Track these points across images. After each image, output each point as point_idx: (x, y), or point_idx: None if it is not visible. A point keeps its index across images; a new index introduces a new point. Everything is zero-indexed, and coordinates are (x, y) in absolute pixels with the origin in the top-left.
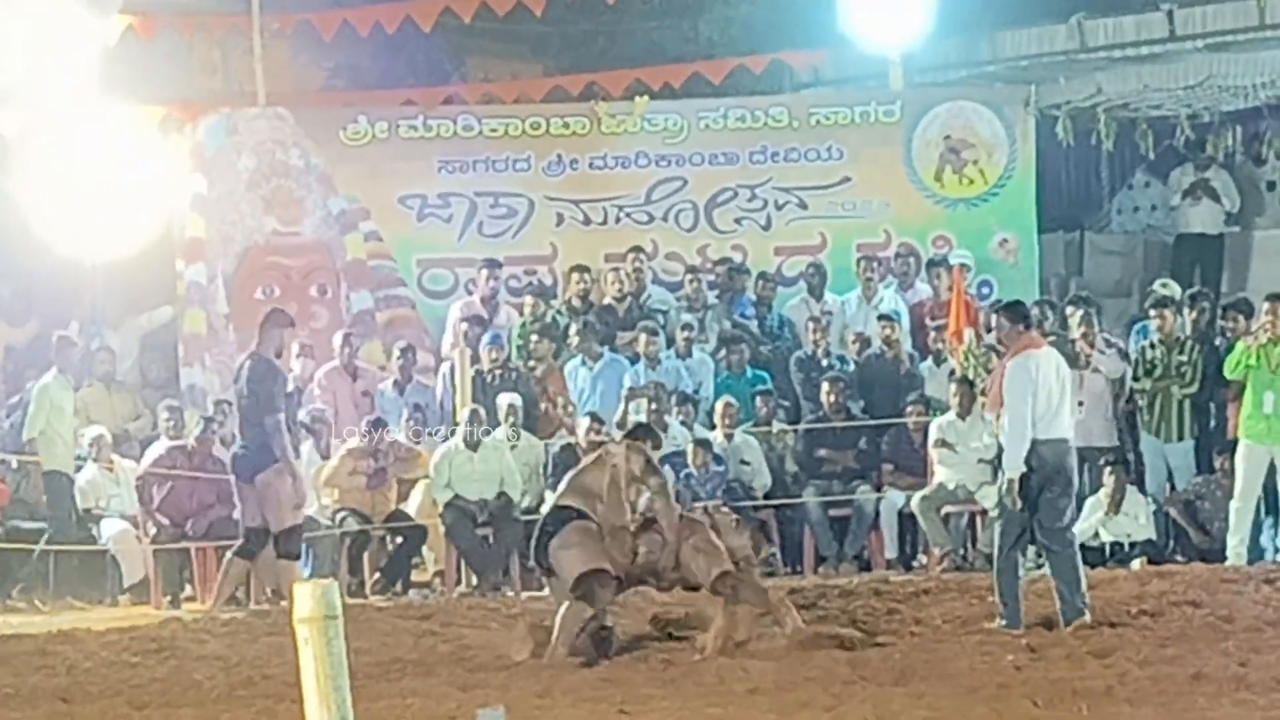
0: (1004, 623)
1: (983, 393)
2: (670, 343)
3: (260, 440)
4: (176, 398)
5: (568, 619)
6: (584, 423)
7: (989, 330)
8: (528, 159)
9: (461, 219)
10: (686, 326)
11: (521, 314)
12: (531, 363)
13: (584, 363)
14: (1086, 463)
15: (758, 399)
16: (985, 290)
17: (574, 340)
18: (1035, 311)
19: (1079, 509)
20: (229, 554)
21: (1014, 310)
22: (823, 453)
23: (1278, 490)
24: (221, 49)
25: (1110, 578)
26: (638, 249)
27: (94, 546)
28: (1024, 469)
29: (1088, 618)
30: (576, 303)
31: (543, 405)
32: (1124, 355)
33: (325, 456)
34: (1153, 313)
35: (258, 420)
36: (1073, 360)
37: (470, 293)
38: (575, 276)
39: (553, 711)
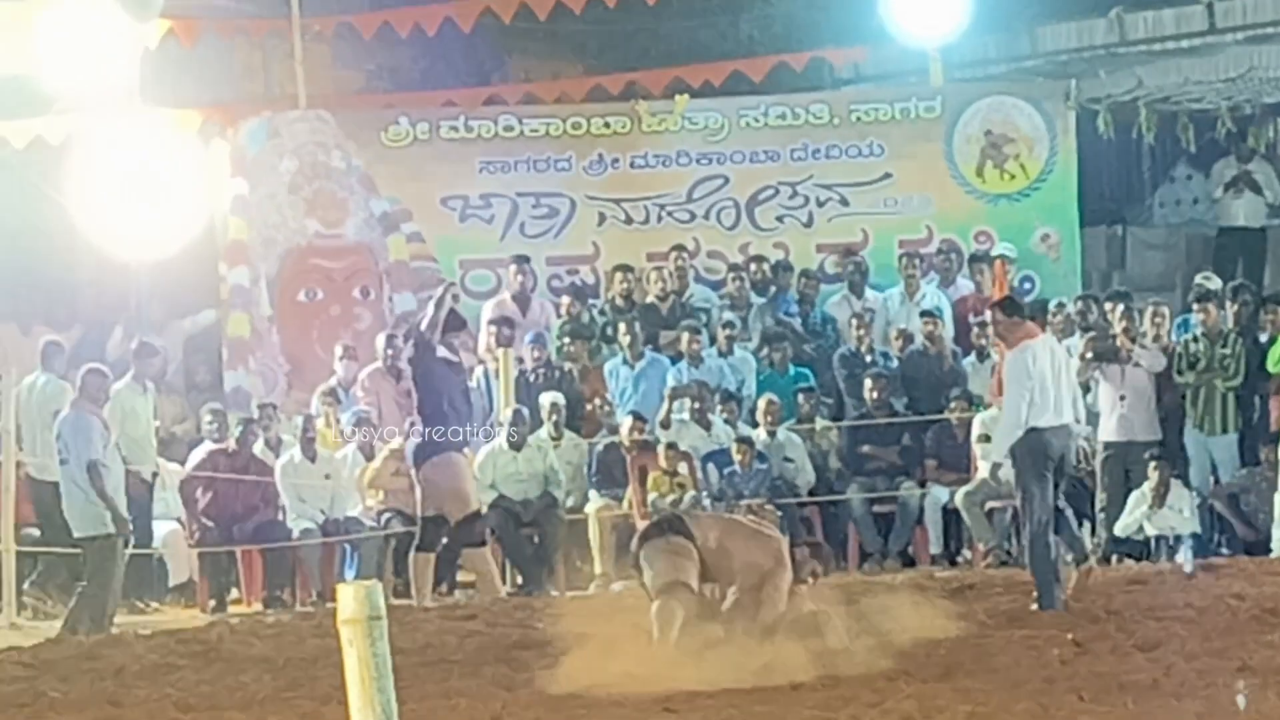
0: (1038, 606)
1: None
2: (713, 341)
3: (431, 427)
4: (220, 401)
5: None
6: (627, 422)
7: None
8: (569, 159)
9: (503, 220)
10: (729, 325)
11: (559, 314)
12: (569, 364)
13: (625, 362)
14: (1130, 457)
15: (800, 396)
16: (1028, 285)
17: (624, 340)
18: (1079, 306)
19: (1124, 503)
20: (412, 550)
21: (1008, 304)
22: (866, 449)
23: None
24: (262, 52)
25: (1155, 571)
26: (680, 248)
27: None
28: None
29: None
30: (620, 302)
31: (585, 405)
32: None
33: (369, 458)
34: (1195, 306)
35: (426, 407)
36: (1114, 355)
37: (505, 291)
38: (618, 276)
39: (599, 709)
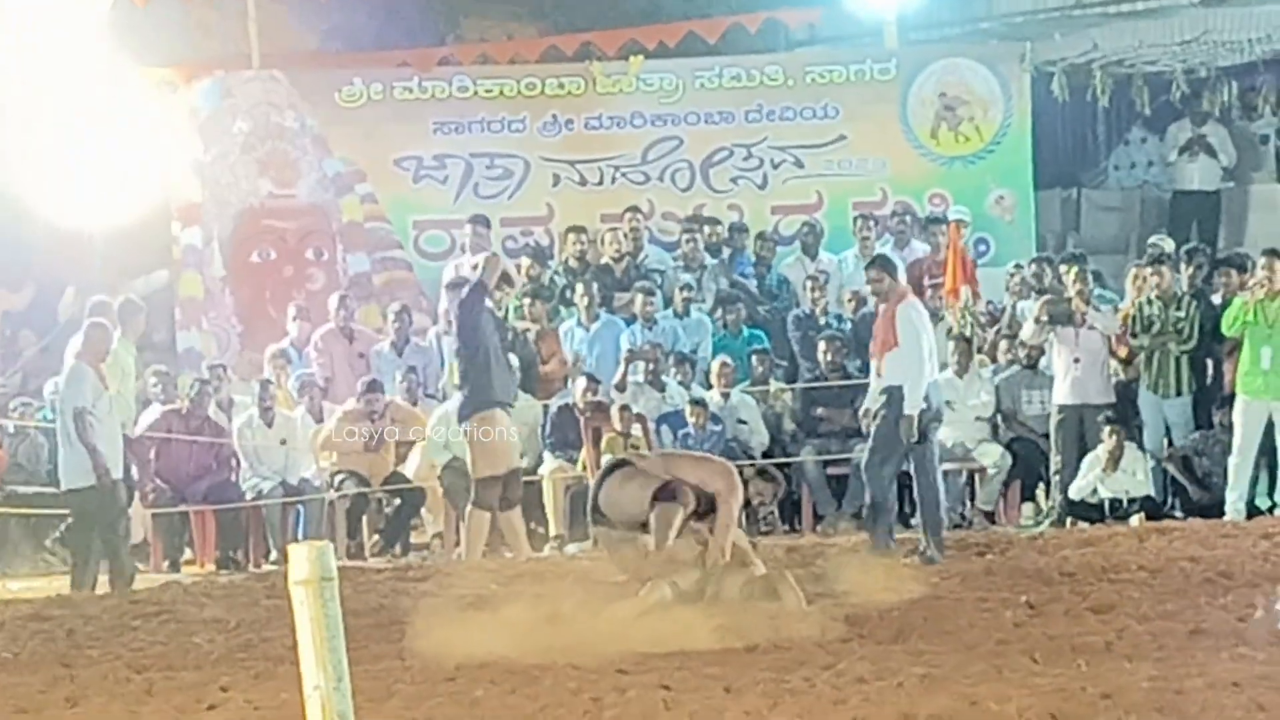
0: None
1: (974, 349)
2: (668, 303)
3: (470, 383)
4: (173, 361)
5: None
6: (580, 383)
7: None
8: (523, 120)
9: (457, 180)
10: (685, 287)
11: (518, 275)
12: (527, 324)
13: (580, 323)
14: (1084, 420)
15: (754, 358)
16: (982, 248)
17: (580, 301)
18: (1034, 269)
19: (1078, 466)
20: (469, 507)
21: (887, 263)
22: (820, 411)
23: (1275, 445)
24: (216, 11)
25: (1109, 534)
26: (634, 209)
27: None
28: (923, 405)
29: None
30: (574, 263)
31: (541, 366)
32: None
33: (319, 420)
34: (1150, 269)
35: (476, 359)
36: (1068, 317)
37: (465, 253)
38: (571, 237)
39: (552, 671)
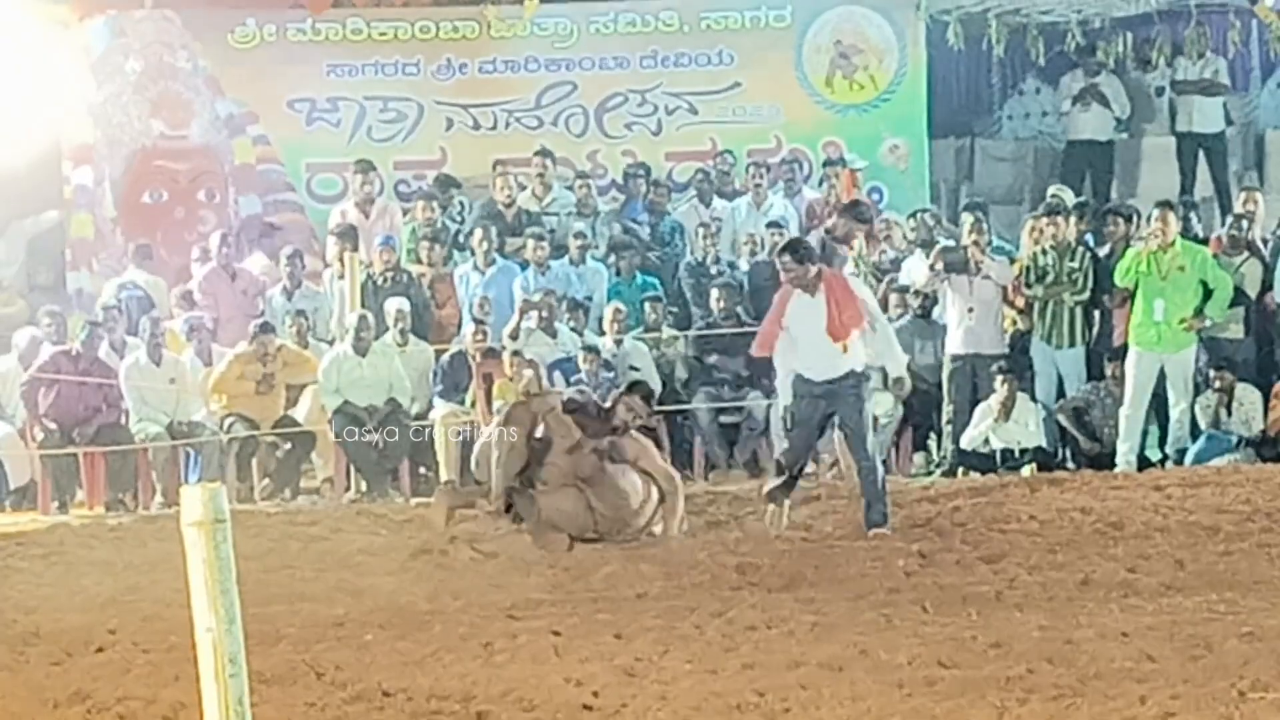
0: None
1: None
2: (564, 250)
3: None
4: (63, 302)
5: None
6: (470, 329)
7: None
8: (417, 63)
9: (350, 123)
10: (580, 234)
11: (415, 218)
12: (422, 268)
13: (476, 268)
14: (977, 370)
15: (647, 305)
16: (876, 196)
17: (478, 246)
18: (924, 219)
19: (970, 415)
20: None
21: (805, 250)
22: (713, 359)
23: (1167, 397)
24: None
25: (1000, 484)
26: (544, 152)
27: None
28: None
29: (887, 529)
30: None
31: (434, 311)
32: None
33: (208, 363)
34: (1045, 220)
35: None
36: (964, 266)
37: (350, 198)
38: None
39: (442, 616)
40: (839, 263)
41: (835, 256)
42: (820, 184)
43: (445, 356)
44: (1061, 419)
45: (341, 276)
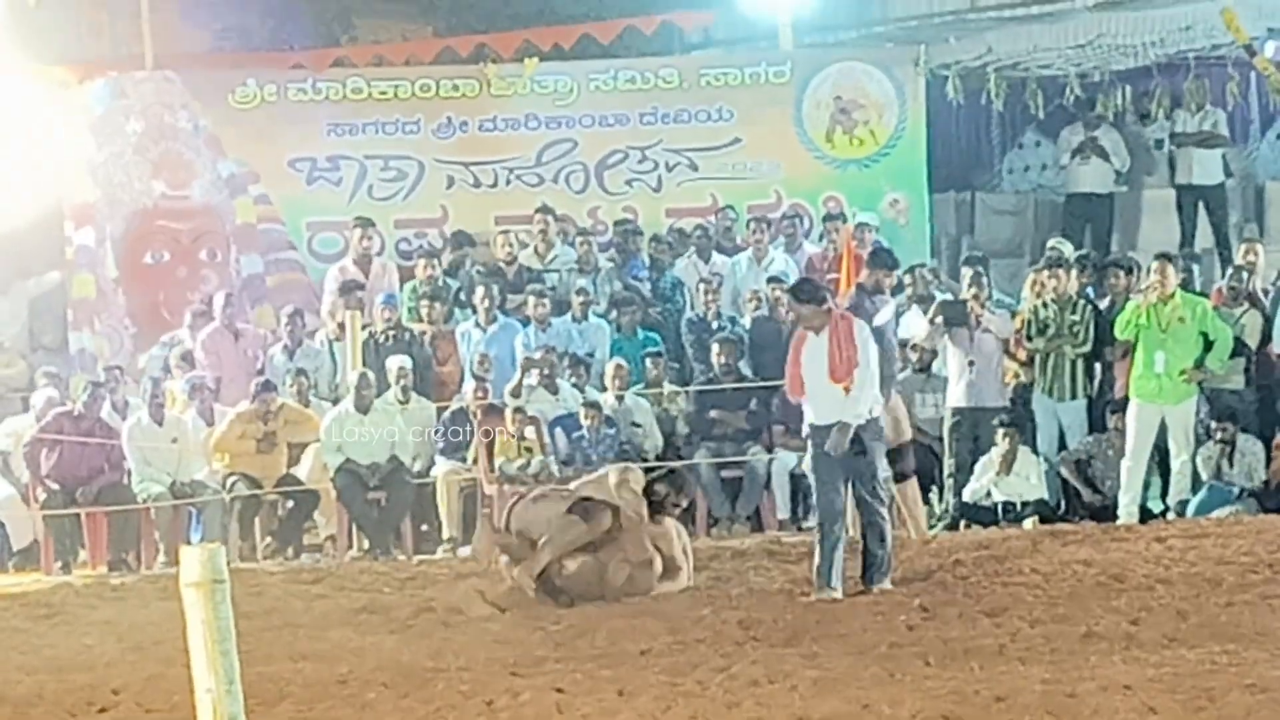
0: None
1: None
2: (567, 307)
3: None
4: (65, 362)
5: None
6: (471, 386)
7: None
8: (417, 121)
9: (351, 182)
10: (581, 291)
11: (414, 276)
12: (423, 326)
13: (478, 325)
14: (978, 423)
15: (648, 361)
16: None
17: (480, 304)
18: (921, 275)
19: (972, 469)
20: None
21: (815, 292)
22: (714, 414)
23: (1168, 449)
24: (108, 11)
25: (1002, 537)
26: (546, 209)
27: None
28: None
29: (888, 584)
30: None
31: (436, 369)
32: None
33: (210, 422)
34: (1046, 273)
35: None
36: (963, 319)
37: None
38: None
39: (445, 674)
40: (880, 313)
41: (875, 309)
42: (821, 239)
43: (447, 413)
44: (1063, 471)
45: (338, 338)
